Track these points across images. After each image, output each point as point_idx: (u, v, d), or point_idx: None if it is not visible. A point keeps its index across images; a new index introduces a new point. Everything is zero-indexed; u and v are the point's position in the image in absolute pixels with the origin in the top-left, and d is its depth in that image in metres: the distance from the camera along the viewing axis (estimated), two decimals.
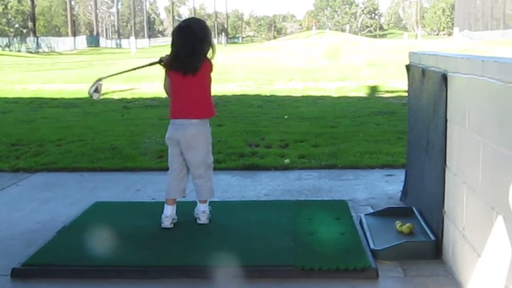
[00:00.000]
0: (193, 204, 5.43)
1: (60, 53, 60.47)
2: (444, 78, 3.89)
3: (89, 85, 4.72)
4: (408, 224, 4.45)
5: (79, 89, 17.96)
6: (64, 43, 70.72)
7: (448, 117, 3.88)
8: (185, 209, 5.21)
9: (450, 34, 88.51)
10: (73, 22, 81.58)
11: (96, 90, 4.71)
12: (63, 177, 6.71)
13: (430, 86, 4.31)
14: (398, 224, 4.48)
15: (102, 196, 5.75)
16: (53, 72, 27.38)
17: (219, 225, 4.74)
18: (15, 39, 67.57)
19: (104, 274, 3.85)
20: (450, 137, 3.86)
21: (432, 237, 4.12)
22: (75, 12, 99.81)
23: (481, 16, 78.21)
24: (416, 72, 4.85)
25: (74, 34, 78.57)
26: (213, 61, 4.63)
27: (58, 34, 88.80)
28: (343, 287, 3.64)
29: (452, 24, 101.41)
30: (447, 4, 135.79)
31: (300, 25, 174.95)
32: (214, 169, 6.85)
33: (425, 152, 4.46)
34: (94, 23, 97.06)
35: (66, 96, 16.04)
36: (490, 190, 3.11)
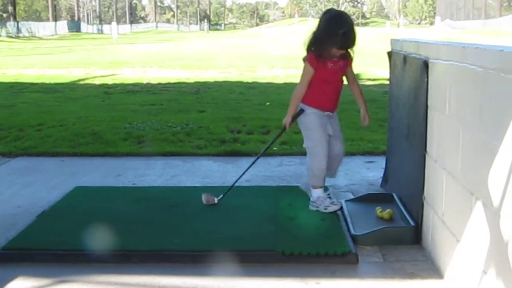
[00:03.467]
0: (174, 189, 5.43)
1: (40, 38, 59.92)
2: (425, 64, 3.91)
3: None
4: (388, 210, 4.48)
5: (59, 74, 17.86)
6: (45, 28, 70.02)
7: (428, 104, 3.90)
8: (166, 194, 5.22)
9: (432, 23, 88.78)
10: (54, 7, 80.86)
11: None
12: (44, 161, 6.68)
13: (411, 73, 4.32)
14: (378, 210, 4.51)
15: (82, 181, 5.73)
16: (34, 57, 27.17)
17: (199, 210, 4.73)
18: None
19: (84, 258, 3.83)
20: (431, 123, 3.88)
21: (412, 223, 4.15)
22: None
23: (462, 5, 78.54)
24: (397, 59, 4.87)
25: (55, 19, 77.88)
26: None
27: (39, 19, 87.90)
28: (323, 271, 3.65)
29: (434, 13, 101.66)
30: None
31: (283, 12, 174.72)
32: (196, 154, 6.89)
33: (406, 138, 4.49)
34: (76, 8, 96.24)
35: (47, 81, 15.90)
36: (469, 176, 3.13)
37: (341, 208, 4.56)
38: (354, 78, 4.67)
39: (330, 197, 4.59)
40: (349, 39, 4.35)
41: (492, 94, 2.79)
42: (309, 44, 4.52)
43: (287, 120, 4.61)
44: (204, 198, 4.78)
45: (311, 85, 4.57)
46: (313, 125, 4.55)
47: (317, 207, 4.58)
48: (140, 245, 3.99)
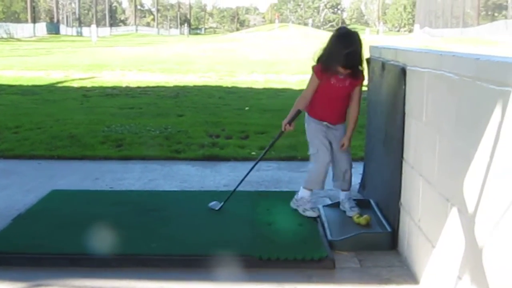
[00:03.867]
0: (152, 193, 5.42)
1: (19, 40, 59.43)
2: (403, 71, 3.94)
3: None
4: (365, 216, 4.50)
5: (38, 76, 17.73)
6: (23, 29, 69.46)
7: (406, 110, 3.93)
8: (143, 198, 5.20)
9: (411, 31, 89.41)
10: (33, 9, 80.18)
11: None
12: (20, 164, 6.62)
13: (389, 80, 4.35)
14: (355, 216, 4.53)
15: (59, 184, 5.69)
16: (12, 58, 26.94)
17: (177, 214, 4.72)
18: None
19: (60, 262, 3.81)
20: (408, 130, 3.91)
21: (388, 229, 4.18)
22: None
23: (441, 14, 79.24)
24: (376, 65, 4.90)
25: (34, 20, 77.17)
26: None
27: (18, 20, 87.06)
28: (300, 276, 3.66)
29: (413, 21, 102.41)
30: (409, 1, 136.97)
31: (263, 18, 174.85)
32: (174, 158, 6.87)
33: (383, 145, 4.51)
34: (55, 10, 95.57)
35: (25, 83, 15.78)
36: (445, 182, 3.16)
37: (318, 216, 4.59)
38: (357, 100, 4.63)
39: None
40: (353, 59, 4.41)
41: (468, 101, 2.82)
42: (319, 57, 4.57)
43: (284, 121, 4.69)
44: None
45: (315, 96, 4.65)
46: (314, 133, 4.70)
47: (297, 206, 4.67)
48: (117, 249, 3.97)
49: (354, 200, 4.76)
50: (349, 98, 4.62)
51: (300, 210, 4.65)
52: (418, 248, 3.64)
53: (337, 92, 4.57)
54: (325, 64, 4.49)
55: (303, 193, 4.70)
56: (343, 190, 4.78)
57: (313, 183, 4.69)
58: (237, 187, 4.94)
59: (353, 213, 4.59)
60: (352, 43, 4.37)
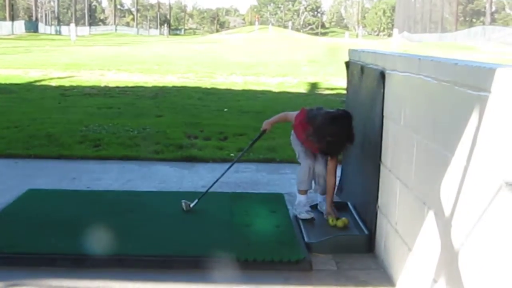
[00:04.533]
0: (129, 193, 5.40)
1: None
2: (382, 75, 3.96)
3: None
4: (343, 218, 4.52)
5: (15, 75, 17.56)
6: (1, 27, 68.70)
7: (384, 114, 3.95)
8: (121, 198, 5.18)
9: (390, 35, 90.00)
10: (12, 6, 79.43)
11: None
12: None
13: (368, 83, 4.38)
14: (330, 219, 4.54)
15: (36, 184, 5.64)
16: None
17: (155, 215, 4.71)
18: None
19: (36, 262, 3.78)
20: (386, 133, 3.93)
21: (366, 231, 4.20)
22: None
23: (420, 19, 79.81)
24: (355, 69, 4.92)
25: (12, 18, 76.43)
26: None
27: None
28: (277, 278, 3.67)
29: (392, 25, 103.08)
30: (388, 5, 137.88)
31: (243, 19, 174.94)
32: (152, 159, 6.85)
33: (361, 148, 4.54)
34: (34, 8, 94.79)
35: (2, 81, 15.61)
36: (422, 186, 3.18)
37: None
38: (332, 171, 4.64)
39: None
40: (331, 149, 4.48)
41: (446, 106, 2.85)
42: (311, 117, 4.59)
43: (265, 123, 4.86)
44: (183, 205, 4.81)
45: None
46: (296, 141, 4.77)
47: (294, 211, 4.73)
48: (93, 249, 3.94)
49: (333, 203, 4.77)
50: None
51: (297, 213, 4.69)
52: (395, 251, 3.66)
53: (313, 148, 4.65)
54: (308, 135, 4.54)
55: (298, 197, 4.75)
56: (321, 194, 4.81)
57: (300, 183, 4.73)
58: (212, 184, 4.98)
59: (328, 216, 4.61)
60: (337, 132, 4.37)
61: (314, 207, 4.86)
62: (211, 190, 5.06)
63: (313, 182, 4.78)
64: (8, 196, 5.18)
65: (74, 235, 4.15)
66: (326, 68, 21.80)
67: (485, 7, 73.57)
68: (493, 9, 74.27)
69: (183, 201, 4.82)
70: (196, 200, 4.82)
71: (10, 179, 5.86)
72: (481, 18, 75.51)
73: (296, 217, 4.66)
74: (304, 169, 4.69)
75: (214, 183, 4.99)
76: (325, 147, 4.45)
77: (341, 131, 4.37)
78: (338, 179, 5.32)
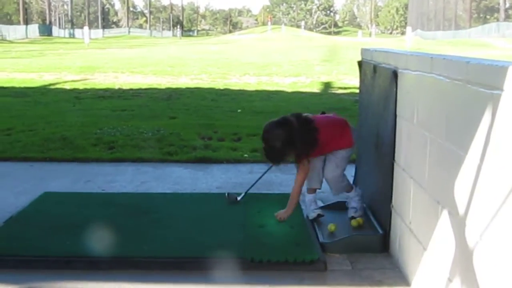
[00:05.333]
0: (144, 195, 5.42)
1: (11, 42, 59.20)
2: (395, 74, 3.95)
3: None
4: (357, 218, 4.52)
5: (30, 78, 17.69)
6: (15, 31, 69.21)
7: (397, 113, 3.94)
8: (135, 200, 5.20)
9: (403, 33, 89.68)
10: (25, 10, 79.92)
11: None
12: (12, 166, 6.61)
13: (381, 82, 4.37)
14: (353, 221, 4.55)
15: (51, 187, 5.68)
16: (4, 60, 26.84)
17: (169, 217, 4.72)
18: None
19: (52, 265, 3.81)
20: (399, 132, 3.92)
21: (380, 231, 4.20)
22: (27, 0, 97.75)
23: (433, 16, 79.55)
24: (367, 68, 4.91)
25: (26, 22, 76.89)
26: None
27: (10, 22, 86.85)
28: (292, 279, 3.67)
29: (405, 23, 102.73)
30: (401, 3, 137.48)
31: (256, 20, 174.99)
32: (166, 160, 6.87)
33: (375, 147, 4.53)
34: (47, 12, 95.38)
35: (17, 85, 15.74)
36: (436, 184, 3.17)
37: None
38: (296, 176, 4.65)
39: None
40: (268, 156, 4.49)
41: (458, 105, 2.84)
42: None
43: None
44: (228, 197, 5.06)
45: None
46: None
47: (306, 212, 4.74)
48: (108, 251, 3.97)
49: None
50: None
51: (306, 213, 4.70)
52: (410, 250, 3.65)
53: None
54: None
55: (306, 196, 4.76)
56: (334, 195, 4.86)
57: (309, 181, 4.70)
58: (255, 182, 5.22)
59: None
60: (270, 139, 4.43)
61: (327, 207, 4.86)
62: (225, 191, 5.08)
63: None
64: (23, 198, 5.22)
65: (88, 237, 4.17)
66: (339, 68, 21.76)
67: (499, 4, 73.18)
68: (507, 5, 73.82)
69: (228, 193, 5.05)
70: (242, 194, 5.06)
71: (26, 182, 5.91)
72: (495, 15, 75.13)
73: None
74: (312, 168, 4.67)
75: (256, 181, 5.22)
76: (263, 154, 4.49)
77: (273, 137, 4.38)
78: (352, 178, 5.32)
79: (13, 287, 3.56)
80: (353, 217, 4.61)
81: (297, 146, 4.35)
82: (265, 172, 5.15)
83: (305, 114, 4.57)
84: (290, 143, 4.34)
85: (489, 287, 2.47)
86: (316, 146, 4.40)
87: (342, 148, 4.59)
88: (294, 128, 4.34)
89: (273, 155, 4.46)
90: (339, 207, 4.87)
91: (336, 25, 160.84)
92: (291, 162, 4.59)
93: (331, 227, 4.45)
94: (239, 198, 5.05)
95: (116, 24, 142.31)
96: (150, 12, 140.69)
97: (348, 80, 17.31)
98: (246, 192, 5.12)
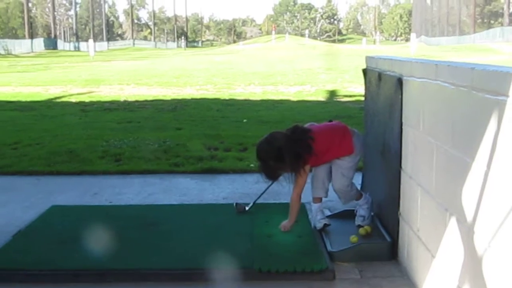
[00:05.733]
0: (151, 207, 5.42)
1: (17, 56, 59.46)
2: (400, 82, 3.95)
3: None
4: (365, 227, 4.51)
5: (36, 92, 17.75)
6: (21, 45, 69.50)
7: (403, 120, 3.94)
8: (143, 212, 5.20)
9: (407, 40, 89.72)
10: (30, 25, 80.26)
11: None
12: (19, 180, 6.62)
13: (386, 90, 4.37)
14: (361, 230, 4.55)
15: (58, 200, 5.69)
16: (10, 74, 26.97)
17: (177, 228, 4.72)
18: None
19: (60, 278, 3.81)
20: (405, 140, 3.91)
21: (388, 239, 4.18)
22: (32, 14, 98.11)
23: (437, 22, 79.59)
24: (372, 76, 4.91)
25: (32, 36, 77.20)
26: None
27: (15, 37, 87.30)
28: None
29: (410, 30, 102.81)
30: (405, 10, 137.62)
31: (260, 29, 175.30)
32: (173, 172, 6.88)
33: (381, 154, 4.52)
34: (52, 26, 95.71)
35: (23, 99, 15.79)
36: (443, 192, 3.16)
37: (324, 226, 4.62)
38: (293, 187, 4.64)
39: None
40: (265, 172, 4.52)
41: (464, 111, 2.83)
42: None
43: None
44: (236, 206, 5.09)
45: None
46: None
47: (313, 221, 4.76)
48: (117, 264, 3.97)
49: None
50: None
51: (313, 223, 4.71)
52: (418, 258, 3.64)
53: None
54: None
55: (312, 206, 4.77)
56: (343, 204, 4.85)
57: (313, 190, 4.73)
58: (262, 193, 5.22)
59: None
60: (262, 156, 4.51)
61: (335, 215, 4.86)
62: (232, 201, 5.09)
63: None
64: (31, 212, 5.23)
65: (96, 250, 4.18)
66: (344, 76, 21.75)
67: (503, 8, 73.13)
68: (511, 10, 73.73)
69: (236, 203, 5.08)
70: (251, 204, 5.09)
71: (33, 196, 5.92)
72: (499, 20, 75.05)
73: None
74: (316, 177, 4.69)
75: (265, 190, 5.19)
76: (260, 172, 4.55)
77: (264, 156, 4.46)
78: (359, 186, 5.31)
79: None
80: (360, 225, 4.61)
81: (287, 160, 4.37)
82: (272, 182, 5.15)
83: (307, 124, 4.59)
84: (280, 159, 4.37)
85: None
86: (311, 154, 4.40)
87: (343, 155, 4.58)
88: (281, 143, 4.38)
89: (268, 173, 4.50)
90: (347, 215, 4.86)
91: (340, 33, 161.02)
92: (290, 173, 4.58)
93: (362, 230, 4.48)
94: (247, 208, 5.08)
95: (121, 36, 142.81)
96: (155, 24, 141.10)
97: (353, 88, 17.31)
98: (254, 202, 5.14)
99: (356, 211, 4.77)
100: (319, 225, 4.62)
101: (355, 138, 4.63)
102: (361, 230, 4.47)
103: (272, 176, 4.53)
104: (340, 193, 4.68)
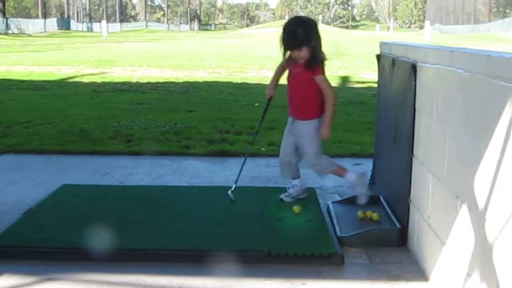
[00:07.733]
0: (161, 188, 5.43)
1: (30, 35, 59.58)
2: (414, 68, 3.93)
3: None
4: (375, 213, 4.50)
5: (48, 72, 17.79)
6: (34, 25, 69.59)
7: (416, 107, 3.92)
8: (153, 193, 5.22)
9: (421, 27, 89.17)
10: (44, 4, 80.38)
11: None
12: (31, 159, 6.65)
13: (399, 76, 4.34)
14: (362, 213, 4.53)
15: (70, 179, 5.71)
16: (23, 54, 27.04)
17: (187, 209, 4.73)
18: None
19: (69, 256, 3.83)
20: (418, 126, 3.90)
21: (398, 225, 4.17)
22: None
23: (452, 10, 79.03)
24: (386, 62, 4.88)
25: (45, 16, 77.35)
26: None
27: (28, 16, 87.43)
28: (309, 272, 3.66)
29: (424, 17, 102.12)
30: None
31: (273, 14, 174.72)
32: (184, 154, 6.88)
33: (393, 141, 4.50)
34: (65, 6, 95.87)
35: (35, 79, 15.84)
36: (455, 179, 3.15)
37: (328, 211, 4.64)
38: (325, 89, 4.66)
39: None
40: (285, 41, 4.59)
41: (478, 98, 2.81)
42: None
43: (267, 91, 5.13)
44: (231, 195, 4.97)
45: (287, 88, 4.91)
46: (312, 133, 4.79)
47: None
48: (126, 243, 3.99)
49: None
50: (309, 91, 4.73)
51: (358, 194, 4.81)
52: (428, 245, 3.63)
53: (293, 79, 4.80)
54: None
55: (349, 177, 4.85)
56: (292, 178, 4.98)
57: (333, 164, 4.88)
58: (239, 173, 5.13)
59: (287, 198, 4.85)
60: (285, 26, 4.60)
61: (345, 201, 4.86)
62: (242, 184, 5.08)
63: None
64: (42, 191, 5.25)
65: (107, 229, 4.18)
66: (357, 62, 21.66)
67: None
68: None
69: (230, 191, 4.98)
70: (233, 186, 4.98)
71: (45, 174, 5.94)
72: None
73: (327, 211, 4.65)
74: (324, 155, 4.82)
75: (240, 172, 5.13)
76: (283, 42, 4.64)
77: (287, 24, 4.66)
78: (370, 172, 5.30)
79: (31, 279, 3.58)
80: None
81: (315, 44, 4.55)
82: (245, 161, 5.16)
83: None
84: (312, 37, 4.54)
85: (509, 282, 2.45)
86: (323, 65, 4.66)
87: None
88: (318, 30, 4.61)
89: (293, 39, 4.55)
90: (355, 201, 4.85)
91: (354, 19, 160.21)
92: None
93: (375, 216, 4.48)
94: (229, 192, 4.93)
95: (134, 18, 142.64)
96: (168, 6, 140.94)
97: (365, 74, 17.24)
98: (235, 182, 5.03)
99: (357, 197, 4.81)
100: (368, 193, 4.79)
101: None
102: (375, 216, 4.45)
103: (293, 43, 4.57)
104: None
